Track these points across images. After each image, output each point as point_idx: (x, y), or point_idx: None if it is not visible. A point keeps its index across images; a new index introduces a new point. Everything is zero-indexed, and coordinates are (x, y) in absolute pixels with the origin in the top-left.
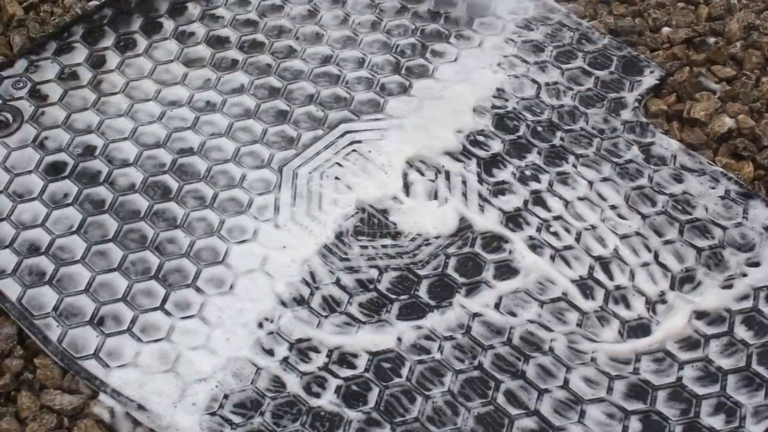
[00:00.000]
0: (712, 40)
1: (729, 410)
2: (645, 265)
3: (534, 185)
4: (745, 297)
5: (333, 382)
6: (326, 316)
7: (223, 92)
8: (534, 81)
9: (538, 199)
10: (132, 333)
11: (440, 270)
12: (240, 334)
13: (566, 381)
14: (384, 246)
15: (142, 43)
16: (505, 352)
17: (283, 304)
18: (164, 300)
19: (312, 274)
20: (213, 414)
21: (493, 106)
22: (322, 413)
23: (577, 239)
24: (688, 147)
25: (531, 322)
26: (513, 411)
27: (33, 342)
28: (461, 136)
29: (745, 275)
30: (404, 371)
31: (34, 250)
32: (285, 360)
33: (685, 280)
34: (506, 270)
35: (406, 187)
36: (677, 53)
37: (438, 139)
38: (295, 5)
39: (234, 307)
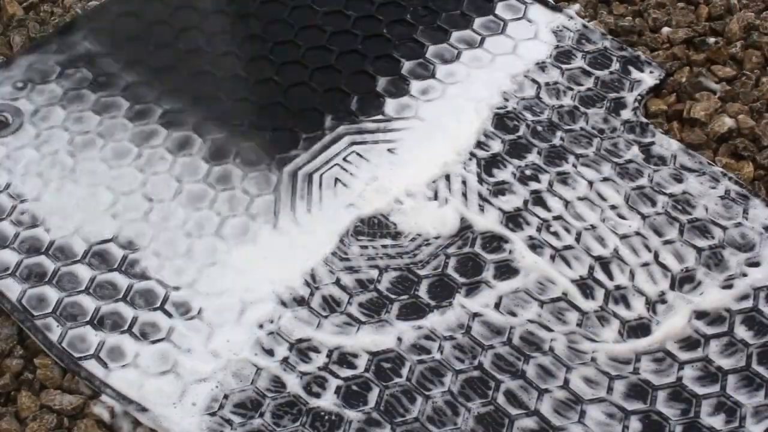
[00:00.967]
0: (712, 40)
1: (729, 410)
2: (645, 265)
3: (534, 185)
4: (745, 297)
5: (333, 382)
6: (326, 316)
7: None
8: (534, 81)
9: (538, 199)
10: (132, 333)
11: (440, 270)
12: (240, 334)
13: (566, 381)
14: (384, 246)
15: None
16: (505, 352)
17: (283, 304)
18: (164, 300)
19: (312, 275)
20: (213, 414)
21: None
22: (322, 413)
23: (577, 239)
24: (688, 147)
25: (531, 322)
26: (513, 411)
27: (33, 342)
28: None
29: (745, 275)
30: (404, 371)
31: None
32: (285, 360)
33: (685, 280)
34: (506, 270)
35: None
36: (677, 53)
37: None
38: None
39: (234, 307)
